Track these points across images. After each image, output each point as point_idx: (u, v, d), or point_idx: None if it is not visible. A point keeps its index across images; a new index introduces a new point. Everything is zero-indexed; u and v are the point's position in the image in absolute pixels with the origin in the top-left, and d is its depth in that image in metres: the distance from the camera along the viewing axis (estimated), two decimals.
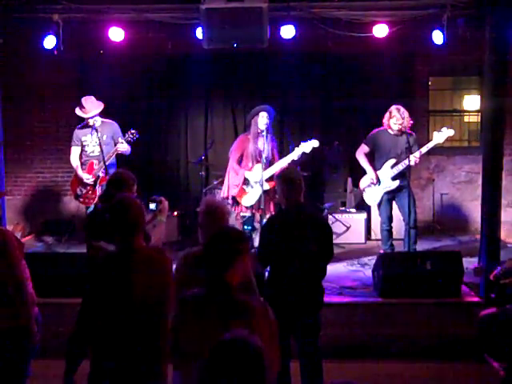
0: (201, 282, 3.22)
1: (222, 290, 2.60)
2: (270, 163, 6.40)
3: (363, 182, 6.56)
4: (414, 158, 6.15)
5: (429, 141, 6.40)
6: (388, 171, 6.34)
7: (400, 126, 6.21)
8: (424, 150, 6.24)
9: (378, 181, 6.39)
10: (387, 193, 6.40)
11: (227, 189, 6.57)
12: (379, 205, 6.46)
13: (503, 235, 6.59)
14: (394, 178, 6.32)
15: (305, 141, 6.37)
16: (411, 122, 6.32)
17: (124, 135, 6.46)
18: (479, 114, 8.79)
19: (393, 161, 6.31)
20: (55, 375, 3.10)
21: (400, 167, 6.26)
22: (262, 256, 4.07)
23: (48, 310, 4.74)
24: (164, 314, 2.98)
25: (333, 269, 4.60)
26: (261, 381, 1.87)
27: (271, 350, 2.40)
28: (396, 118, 6.21)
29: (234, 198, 6.50)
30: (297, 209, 4.05)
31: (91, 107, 6.43)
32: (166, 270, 3.05)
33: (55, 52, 6.54)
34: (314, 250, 3.94)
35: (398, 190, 6.35)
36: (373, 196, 6.47)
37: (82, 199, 6.65)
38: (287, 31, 6.49)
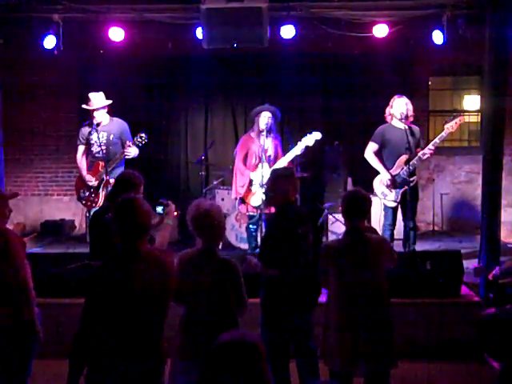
0: (196, 283, 3.24)
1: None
2: (274, 162, 6.40)
3: (377, 185, 6.24)
4: (428, 150, 6.02)
5: (429, 141, 6.37)
6: (403, 168, 6.09)
7: (404, 114, 6.07)
8: (438, 140, 6.06)
9: (394, 181, 6.15)
10: (403, 192, 6.14)
11: (235, 189, 6.57)
12: (393, 207, 6.18)
13: (503, 235, 6.58)
14: (410, 175, 6.09)
15: (306, 135, 6.35)
16: (412, 114, 6.21)
17: (132, 138, 6.30)
18: (479, 113, 8.79)
19: (405, 156, 6.07)
20: (55, 375, 3.10)
21: (415, 162, 6.06)
22: (267, 258, 4.03)
23: (48, 309, 4.75)
24: (164, 314, 3.00)
25: None
26: (260, 378, 1.87)
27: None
28: (399, 105, 6.10)
29: (241, 198, 6.50)
30: (292, 207, 4.07)
31: (97, 100, 6.30)
32: (167, 269, 3.03)
33: (55, 52, 6.54)
34: (310, 246, 3.95)
35: (411, 186, 6.11)
36: (391, 197, 6.20)
37: (84, 201, 6.49)
38: (287, 31, 6.49)
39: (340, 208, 3.94)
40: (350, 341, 3.56)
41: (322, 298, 4.27)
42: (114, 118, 6.47)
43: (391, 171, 6.19)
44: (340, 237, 4.00)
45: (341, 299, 3.63)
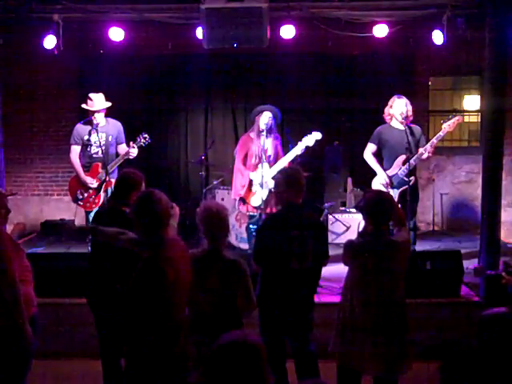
0: (203, 284, 3.26)
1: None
2: (275, 162, 6.39)
3: (376, 185, 6.18)
4: (426, 150, 5.97)
5: (429, 141, 6.35)
6: (401, 168, 6.07)
7: (404, 115, 6.02)
8: (435, 140, 6.04)
9: (391, 181, 6.12)
10: (402, 192, 6.10)
11: (235, 190, 6.56)
12: None
13: (503, 235, 6.58)
14: (408, 175, 6.04)
15: (306, 135, 6.34)
16: (411, 114, 6.15)
17: (135, 139, 6.26)
18: (479, 114, 8.80)
19: (403, 157, 6.03)
20: (55, 375, 3.10)
21: (413, 162, 6.02)
22: (256, 256, 4.04)
23: (48, 310, 4.75)
24: (186, 299, 3.15)
25: (333, 269, 4.60)
26: (261, 378, 1.88)
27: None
28: (399, 106, 6.05)
29: (242, 198, 6.49)
30: (293, 209, 4.03)
31: (99, 102, 6.22)
32: (189, 254, 3.29)
33: (55, 52, 6.53)
34: (310, 252, 3.93)
35: (411, 187, 6.06)
36: None
37: (82, 203, 6.37)
38: (287, 31, 6.49)
39: (359, 207, 3.90)
40: (365, 339, 3.55)
41: (325, 299, 4.29)
42: (109, 119, 6.40)
43: (389, 171, 6.17)
44: (358, 230, 3.95)
45: (358, 298, 3.62)
